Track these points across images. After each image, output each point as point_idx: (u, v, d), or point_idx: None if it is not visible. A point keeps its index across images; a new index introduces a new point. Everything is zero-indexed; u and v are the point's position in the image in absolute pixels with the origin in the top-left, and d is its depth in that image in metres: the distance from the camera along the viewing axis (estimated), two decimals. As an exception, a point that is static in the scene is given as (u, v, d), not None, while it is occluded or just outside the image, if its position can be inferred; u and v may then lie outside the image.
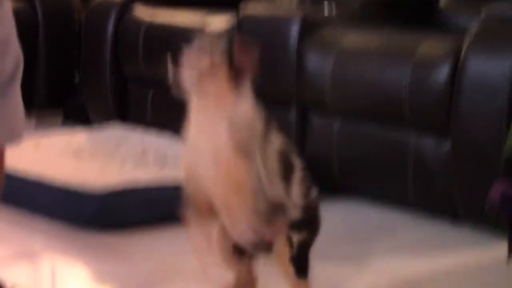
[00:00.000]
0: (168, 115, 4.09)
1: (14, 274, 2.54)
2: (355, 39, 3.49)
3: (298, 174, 2.31)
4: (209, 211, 2.24)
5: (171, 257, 2.82)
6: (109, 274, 2.73)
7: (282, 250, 2.28)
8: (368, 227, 3.22)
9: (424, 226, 3.24)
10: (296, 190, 2.29)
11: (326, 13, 3.75)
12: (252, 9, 3.84)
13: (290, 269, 2.31)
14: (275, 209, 2.24)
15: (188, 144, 2.24)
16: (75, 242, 2.98)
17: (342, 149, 3.48)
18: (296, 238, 2.29)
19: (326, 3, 3.78)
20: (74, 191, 3.21)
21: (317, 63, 3.53)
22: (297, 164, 2.34)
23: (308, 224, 2.33)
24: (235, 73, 2.17)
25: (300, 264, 2.33)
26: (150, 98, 4.21)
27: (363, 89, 3.39)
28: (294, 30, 3.61)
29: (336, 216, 3.31)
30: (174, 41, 3.98)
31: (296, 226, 2.28)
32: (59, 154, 3.72)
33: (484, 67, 3.06)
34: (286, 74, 3.64)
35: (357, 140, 3.45)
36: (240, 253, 2.34)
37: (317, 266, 2.74)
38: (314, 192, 2.37)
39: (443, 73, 3.16)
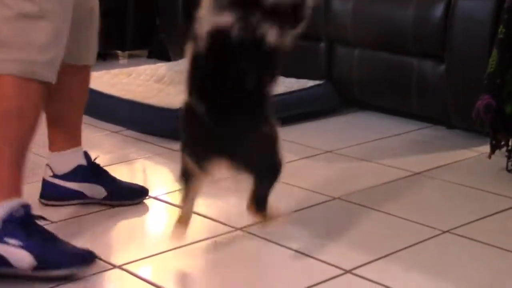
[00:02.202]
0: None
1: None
2: (370, -15, 3.42)
3: None
4: None
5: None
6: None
7: None
8: (381, 133, 3.19)
9: (424, 132, 3.22)
10: None
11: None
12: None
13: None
14: None
15: None
16: (159, 149, 2.98)
17: (361, 73, 3.45)
18: None
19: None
20: (157, 107, 3.21)
21: (340, 5, 3.47)
22: None
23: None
24: None
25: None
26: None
27: (376, 24, 3.34)
28: (323, -21, 3.57)
29: (355, 125, 3.34)
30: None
31: None
32: (146, 81, 3.72)
33: (471, 4, 2.99)
34: (316, 15, 3.50)
35: (372, 65, 3.40)
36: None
37: (339, 164, 2.81)
38: None
39: (439, 10, 3.11)
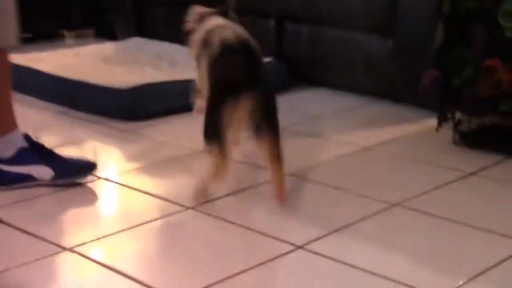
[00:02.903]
0: (176, 28, 4.04)
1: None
2: (318, -38, 3.40)
3: None
4: None
5: (184, 138, 2.81)
6: (136, 153, 2.71)
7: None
8: (330, 109, 3.20)
9: (372, 106, 3.24)
10: None
11: None
12: None
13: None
14: None
15: None
16: (108, 130, 2.95)
17: (310, 49, 3.45)
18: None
19: None
20: (105, 87, 3.16)
21: (289, -18, 3.47)
22: None
23: None
24: None
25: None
26: (162, 15, 4.11)
27: (325, 0, 3.33)
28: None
29: (305, 102, 3.34)
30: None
31: None
32: (93, 61, 3.67)
33: (417, -20, 3.00)
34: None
35: (321, 42, 3.41)
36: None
37: (290, 140, 2.79)
38: None
39: (385, -15, 3.11)
